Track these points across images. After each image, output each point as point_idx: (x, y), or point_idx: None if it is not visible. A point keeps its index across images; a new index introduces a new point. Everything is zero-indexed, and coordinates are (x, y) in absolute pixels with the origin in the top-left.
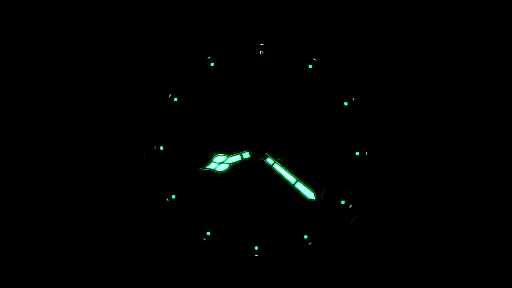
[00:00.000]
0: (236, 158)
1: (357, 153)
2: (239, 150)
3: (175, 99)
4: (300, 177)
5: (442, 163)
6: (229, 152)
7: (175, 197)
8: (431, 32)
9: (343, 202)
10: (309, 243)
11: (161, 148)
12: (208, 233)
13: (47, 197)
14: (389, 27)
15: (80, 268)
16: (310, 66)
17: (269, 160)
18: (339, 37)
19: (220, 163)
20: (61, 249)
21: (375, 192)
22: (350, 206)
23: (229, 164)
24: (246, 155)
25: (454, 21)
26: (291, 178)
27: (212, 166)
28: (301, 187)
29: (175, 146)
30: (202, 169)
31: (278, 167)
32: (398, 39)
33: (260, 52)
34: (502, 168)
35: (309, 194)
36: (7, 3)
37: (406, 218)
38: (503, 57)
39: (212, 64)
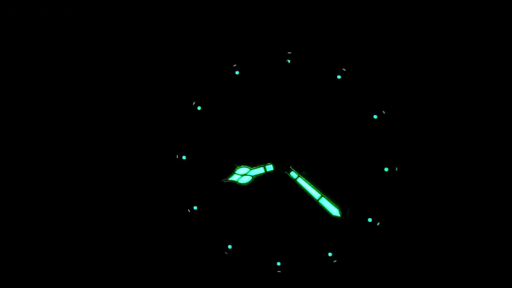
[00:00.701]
0: (259, 170)
1: (386, 169)
2: (263, 163)
3: (199, 108)
4: (325, 192)
5: (477, 181)
6: (252, 164)
7: (197, 208)
8: (467, 45)
9: (370, 219)
10: (334, 261)
11: (184, 157)
12: (230, 247)
13: (67, 204)
14: (424, 38)
15: (100, 279)
16: (339, 77)
17: (293, 174)
18: (370, 47)
19: (242, 175)
20: (80, 259)
21: (404, 210)
22: (378, 224)
23: (252, 176)
24: (270, 168)
25: (495, 35)
26: (315, 193)
27: (234, 178)
28: (325, 203)
29: (198, 156)
30: (224, 180)
31: (302, 182)
32: (432, 51)
33: (287, 61)
34: None
35: (334, 211)
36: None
37: (436, 238)
38: None
39: (237, 73)
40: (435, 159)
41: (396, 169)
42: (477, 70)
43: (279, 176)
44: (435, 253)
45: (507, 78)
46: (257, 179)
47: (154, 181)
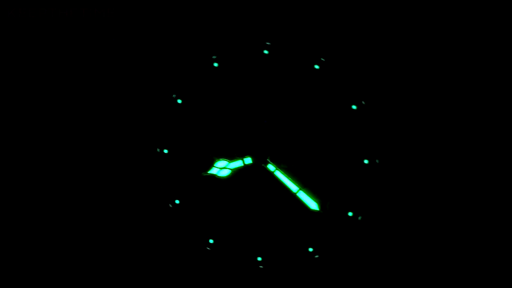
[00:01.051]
0: (238, 163)
1: (366, 161)
2: (242, 155)
3: (179, 101)
4: (304, 186)
5: (461, 173)
6: (231, 157)
7: (179, 202)
8: (449, 33)
9: (350, 213)
10: (316, 256)
11: (165, 151)
12: (211, 241)
13: (46, 200)
14: (404, 26)
15: (78, 275)
16: (317, 67)
17: (271, 167)
18: (349, 34)
19: (221, 168)
20: (60, 256)
21: (385, 204)
22: (360, 218)
23: (231, 169)
24: (248, 160)
25: (473, 22)
26: (293, 187)
27: (214, 171)
28: (304, 197)
29: (180, 149)
30: (204, 174)
31: (280, 175)
32: (412, 39)
33: (265, 52)
34: None
35: (312, 205)
36: (7, 3)
37: (419, 232)
38: None
39: (216, 65)
40: (416, 151)
41: (377, 161)
42: (458, 59)
43: (259, 169)
44: (419, 247)
45: (488, 67)
46: (237, 172)
47: (136, 175)
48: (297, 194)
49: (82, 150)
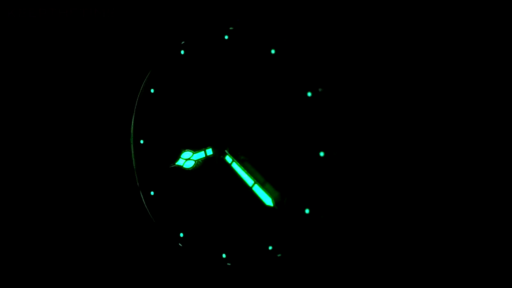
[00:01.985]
0: (201, 154)
1: (322, 154)
2: (205, 146)
3: (152, 91)
4: (264, 179)
5: (423, 167)
6: (196, 148)
7: (154, 194)
8: (409, 17)
9: (307, 211)
10: (278, 255)
11: (141, 142)
12: (181, 235)
13: (13, 192)
14: (365, 6)
15: (47, 270)
16: (273, 51)
17: (228, 159)
18: (309, 16)
19: (186, 159)
20: (27, 250)
21: (344, 200)
22: (319, 216)
23: (195, 160)
24: (209, 152)
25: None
26: (249, 180)
27: (180, 162)
28: (259, 192)
29: (155, 140)
30: (171, 165)
31: (236, 167)
32: (375, 22)
33: (225, 37)
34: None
35: (267, 200)
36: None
37: (379, 228)
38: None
39: (182, 52)
40: (376, 142)
41: (335, 154)
42: (420, 44)
43: (223, 161)
44: (379, 244)
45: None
46: (206, 164)
47: (112, 166)
48: (253, 189)
49: (55, 142)
